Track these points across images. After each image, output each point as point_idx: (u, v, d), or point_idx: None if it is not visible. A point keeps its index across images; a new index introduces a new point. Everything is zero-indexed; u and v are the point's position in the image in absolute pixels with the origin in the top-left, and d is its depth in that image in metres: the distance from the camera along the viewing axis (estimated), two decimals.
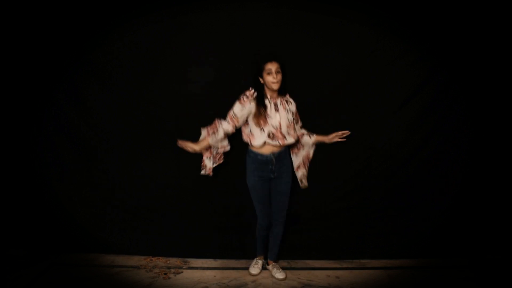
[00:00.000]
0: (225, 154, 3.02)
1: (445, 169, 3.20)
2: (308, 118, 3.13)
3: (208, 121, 3.01)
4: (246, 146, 2.92)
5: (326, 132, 3.07)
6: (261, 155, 2.84)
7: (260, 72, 2.77)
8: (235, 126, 2.83)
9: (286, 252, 3.27)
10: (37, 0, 3.03)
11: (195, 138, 2.98)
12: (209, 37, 3.05)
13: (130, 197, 3.28)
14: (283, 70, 2.80)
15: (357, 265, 3.25)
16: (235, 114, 2.78)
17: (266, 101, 2.80)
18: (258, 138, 2.80)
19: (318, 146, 3.17)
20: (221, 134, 2.83)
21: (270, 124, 2.78)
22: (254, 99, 2.77)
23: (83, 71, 3.12)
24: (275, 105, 2.82)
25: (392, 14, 3.03)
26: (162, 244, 3.33)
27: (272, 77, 2.73)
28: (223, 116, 2.85)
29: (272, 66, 2.74)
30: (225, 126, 2.82)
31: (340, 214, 3.26)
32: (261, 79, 2.79)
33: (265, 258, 3.21)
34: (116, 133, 3.21)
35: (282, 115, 2.81)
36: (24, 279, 2.98)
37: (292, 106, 2.92)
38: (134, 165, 3.23)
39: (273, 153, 2.84)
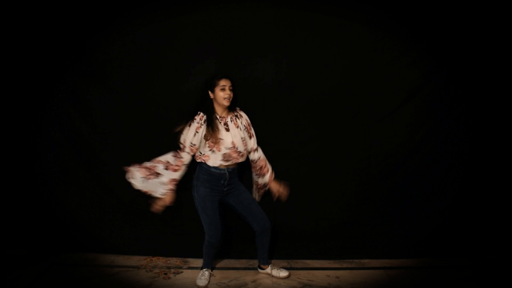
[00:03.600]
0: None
1: (445, 169, 3.20)
2: (308, 118, 3.13)
3: None
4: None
5: (326, 132, 3.08)
6: (216, 168, 2.82)
7: (212, 87, 2.79)
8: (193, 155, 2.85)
9: (286, 252, 3.27)
10: (37, 0, 3.03)
11: None
12: (209, 37, 3.06)
13: (130, 197, 3.27)
14: (234, 89, 2.82)
15: (357, 265, 3.25)
16: (193, 144, 2.79)
17: (216, 122, 2.79)
18: (213, 160, 2.80)
19: (318, 146, 3.17)
20: (185, 169, 2.87)
21: (223, 147, 2.77)
22: (204, 122, 2.78)
23: (83, 71, 3.12)
24: (226, 124, 2.81)
25: (392, 14, 3.03)
26: (162, 244, 3.33)
27: (225, 93, 2.76)
28: None
29: (226, 83, 2.78)
30: (188, 159, 2.84)
31: (340, 214, 3.26)
32: (211, 94, 2.80)
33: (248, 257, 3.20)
34: (116, 133, 3.21)
35: (233, 133, 2.81)
36: (24, 279, 2.98)
37: (243, 120, 2.90)
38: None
39: (227, 168, 2.83)
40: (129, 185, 3.24)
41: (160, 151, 3.19)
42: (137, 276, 3.06)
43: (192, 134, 2.77)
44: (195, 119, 2.79)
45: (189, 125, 2.79)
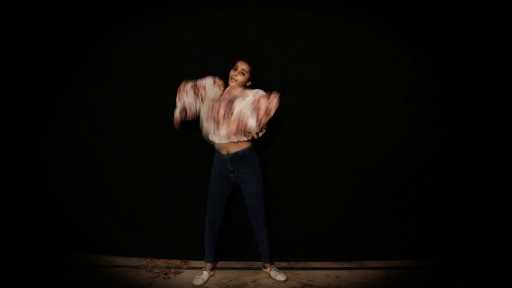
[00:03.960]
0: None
1: (445, 169, 3.20)
2: (308, 118, 3.13)
3: None
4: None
5: (326, 132, 3.07)
6: (218, 153, 2.83)
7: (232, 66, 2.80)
8: (194, 95, 2.84)
9: (286, 252, 3.27)
10: (37, 0, 3.03)
11: (195, 138, 2.98)
12: (209, 37, 3.06)
13: (130, 197, 3.28)
14: (252, 76, 2.80)
15: (357, 265, 3.25)
16: (203, 85, 2.83)
17: (223, 93, 2.79)
18: (212, 138, 2.81)
19: (318, 146, 3.17)
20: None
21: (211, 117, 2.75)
22: (220, 87, 2.82)
23: (83, 71, 3.12)
24: (230, 102, 2.71)
25: (392, 14, 3.03)
26: (162, 244, 3.32)
27: (232, 72, 2.76)
28: None
29: (240, 65, 2.77)
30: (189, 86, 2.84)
31: (340, 214, 3.26)
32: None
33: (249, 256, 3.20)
34: (116, 133, 3.21)
35: (222, 105, 2.71)
36: (24, 279, 2.97)
37: (250, 98, 2.69)
38: (134, 165, 3.23)
39: (228, 154, 2.79)
40: (129, 185, 3.26)
41: (160, 151, 3.21)
42: (137, 276, 3.06)
43: (211, 81, 2.84)
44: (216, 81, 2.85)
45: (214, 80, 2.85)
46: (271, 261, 3.13)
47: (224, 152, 2.80)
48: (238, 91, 2.76)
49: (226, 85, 2.84)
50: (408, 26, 3.04)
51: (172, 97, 3.12)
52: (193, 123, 3.12)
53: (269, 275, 3.07)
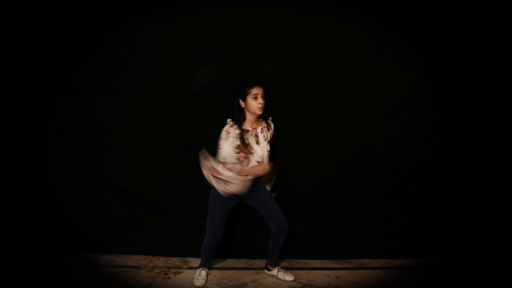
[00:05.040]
0: None
1: (445, 169, 3.20)
2: (308, 118, 3.13)
3: (209, 121, 3.01)
4: None
5: (326, 132, 3.08)
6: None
7: (243, 95, 2.73)
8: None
9: (286, 252, 3.27)
10: (37, 0, 3.03)
11: (196, 138, 2.99)
12: (209, 37, 3.05)
13: (130, 197, 3.28)
14: (266, 96, 2.78)
15: (357, 265, 3.25)
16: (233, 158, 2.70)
17: (248, 135, 2.74)
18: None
19: (318, 146, 3.17)
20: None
21: (254, 160, 2.73)
22: (237, 134, 2.69)
23: (83, 71, 3.12)
24: (256, 136, 2.77)
25: (392, 14, 3.03)
26: (162, 244, 3.33)
27: (257, 102, 2.70)
28: (226, 114, 2.82)
29: (258, 91, 2.71)
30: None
31: (340, 214, 3.26)
32: (242, 103, 2.74)
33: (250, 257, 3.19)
34: (116, 133, 3.21)
35: (262, 147, 2.77)
36: (24, 279, 2.97)
37: (271, 131, 2.88)
38: (134, 165, 3.23)
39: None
40: (129, 185, 3.26)
41: (160, 151, 3.20)
42: (137, 276, 3.06)
43: (232, 149, 2.69)
44: (230, 132, 2.70)
45: (226, 140, 2.69)
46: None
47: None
48: (256, 123, 2.79)
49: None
50: (408, 26, 3.04)
51: (172, 97, 3.13)
52: (193, 123, 3.13)
53: (277, 277, 3.04)
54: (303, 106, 3.12)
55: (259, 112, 2.74)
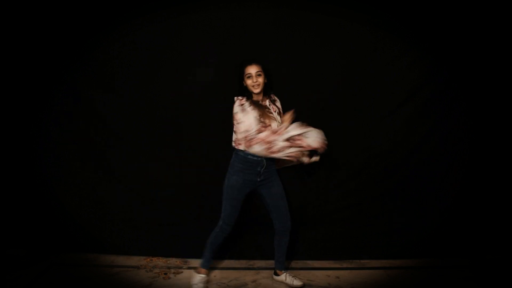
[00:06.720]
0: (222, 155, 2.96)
1: (445, 169, 3.21)
2: (307, 118, 3.12)
3: (209, 121, 3.01)
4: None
5: (326, 132, 3.08)
6: (254, 155, 2.67)
7: (241, 76, 2.73)
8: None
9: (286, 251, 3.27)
10: (38, 0, 3.03)
11: (196, 137, 2.98)
12: (209, 37, 3.06)
13: (130, 197, 3.28)
14: (266, 72, 2.75)
15: (357, 265, 3.25)
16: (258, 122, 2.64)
17: (261, 105, 2.73)
18: None
19: None
20: None
21: (271, 126, 2.69)
22: (250, 104, 2.68)
23: (83, 71, 3.12)
24: (267, 108, 2.77)
25: (392, 14, 3.03)
26: (162, 244, 3.33)
27: (251, 80, 2.70)
28: (226, 114, 2.81)
29: (251, 70, 2.70)
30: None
31: (340, 214, 3.26)
32: (244, 82, 2.74)
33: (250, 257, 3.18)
34: (117, 133, 3.21)
35: (275, 116, 2.76)
36: (24, 279, 2.97)
37: (278, 104, 2.86)
38: (134, 164, 3.23)
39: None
40: (129, 185, 3.26)
41: (160, 151, 3.20)
42: (137, 276, 3.06)
43: (254, 118, 2.63)
44: (243, 103, 2.66)
45: (243, 111, 2.65)
46: (271, 260, 3.12)
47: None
48: (261, 97, 2.76)
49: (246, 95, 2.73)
50: (408, 26, 3.04)
51: (172, 97, 3.13)
52: (193, 123, 3.13)
53: (285, 282, 2.96)
54: (303, 106, 3.12)
55: (255, 91, 2.72)
